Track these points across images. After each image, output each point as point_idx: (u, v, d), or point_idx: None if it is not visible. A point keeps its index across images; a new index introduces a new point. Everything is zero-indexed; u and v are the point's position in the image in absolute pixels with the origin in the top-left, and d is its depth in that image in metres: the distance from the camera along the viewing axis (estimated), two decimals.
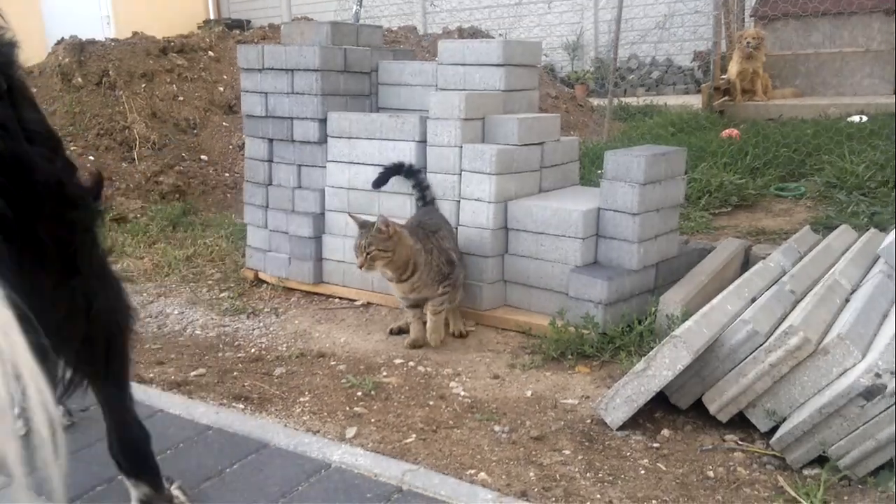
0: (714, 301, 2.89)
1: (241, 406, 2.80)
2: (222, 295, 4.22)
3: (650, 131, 7.54)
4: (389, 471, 2.11)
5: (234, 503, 1.99)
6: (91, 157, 6.03)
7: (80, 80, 6.56)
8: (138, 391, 2.70)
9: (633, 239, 3.41)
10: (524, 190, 3.76)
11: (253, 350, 3.45)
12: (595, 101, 10.69)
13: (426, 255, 3.33)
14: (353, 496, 2.00)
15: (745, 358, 2.55)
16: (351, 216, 3.37)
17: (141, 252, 4.96)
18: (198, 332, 3.72)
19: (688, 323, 2.64)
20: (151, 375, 3.09)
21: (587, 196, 3.76)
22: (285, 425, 2.62)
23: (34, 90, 6.35)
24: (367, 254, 3.16)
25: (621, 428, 2.58)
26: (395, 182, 3.84)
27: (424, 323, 3.42)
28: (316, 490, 2.04)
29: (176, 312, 3.98)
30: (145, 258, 4.85)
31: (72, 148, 6.06)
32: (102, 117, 6.38)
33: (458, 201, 3.72)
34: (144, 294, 4.27)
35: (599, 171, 5.86)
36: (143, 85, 6.80)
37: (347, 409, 2.79)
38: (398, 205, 3.86)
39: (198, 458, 2.24)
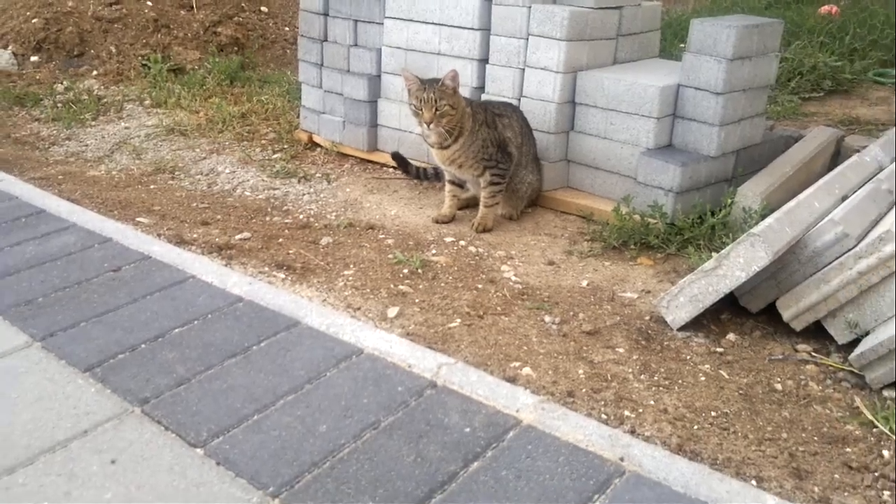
0: (800, 196, 2.60)
1: (283, 276, 2.69)
2: (275, 156, 4.08)
3: (741, 2, 6.91)
4: (424, 362, 1.97)
5: (257, 385, 1.89)
6: (149, 3, 5.80)
7: None
8: (172, 254, 2.61)
9: (714, 121, 3.09)
10: (597, 60, 3.42)
11: (301, 216, 3.32)
12: None
13: (474, 124, 3.12)
14: (382, 388, 1.87)
15: (831, 263, 2.29)
16: (405, 70, 3.13)
17: (196, 106, 4.81)
18: (247, 193, 3.60)
19: (769, 220, 2.37)
20: (195, 236, 2.99)
21: (667, 70, 3.40)
22: (324, 301, 2.50)
23: None
24: (436, 109, 2.99)
25: (682, 328, 2.39)
26: (457, 44, 3.54)
27: (456, 198, 3.33)
28: (344, 377, 1.92)
29: (227, 171, 3.86)
30: (200, 112, 4.71)
31: None
32: None
33: (523, 70, 3.41)
34: (197, 150, 4.16)
35: (682, 45, 5.40)
36: None
37: (392, 286, 2.66)
38: (459, 67, 3.56)
39: (225, 331, 2.14)
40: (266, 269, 2.74)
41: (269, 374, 1.92)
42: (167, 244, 2.76)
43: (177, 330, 2.14)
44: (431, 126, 3.00)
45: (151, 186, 3.66)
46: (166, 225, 3.10)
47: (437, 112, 2.98)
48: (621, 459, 1.61)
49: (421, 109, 3.00)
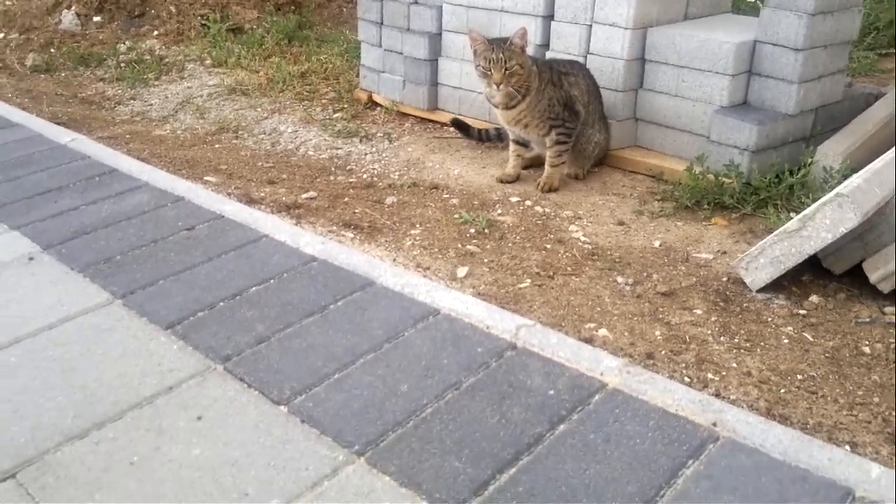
0: (888, 155, 2.48)
1: (351, 235, 2.68)
2: (335, 116, 4.06)
3: None
4: (503, 323, 1.94)
5: (336, 344, 1.89)
6: None
7: None
8: (244, 213, 2.62)
9: (794, 78, 2.96)
10: (667, 15, 3.30)
11: (365, 176, 3.30)
12: None
13: (540, 83, 3.04)
14: (462, 348, 1.85)
15: None
16: (472, 31, 3.06)
17: (256, 65, 4.81)
18: (310, 152, 3.60)
19: (856, 180, 2.27)
20: (262, 195, 3.00)
21: (741, 26, 3.27)
22: (394, 260, 2.49)
23: None
24: (506, 69, 2.91)
25: (762, 290, 2.32)
26: (521, 0, 3.45)
27: (520, 157, 3.26)
28: (422, 337, 1.90)
29: (289, 131, 3.86)
30: (260, 72, 4.71)
31: None
32: None
33: (590, 26, 3.30)
34: (258, 109, 4.16)
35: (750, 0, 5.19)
36: None
37: (459, 246, 2.63)
38: (523, 24, 3.48)
39: (301, 290, 2.13)
40: (334, 228, 2.74)
41: (347, 334, 1.92)
42: (238, 203, 2.77)
43: (254, 288, 2.15)
44: (501, 87, 2.94)
45: (216, 146, 3.68)
46: (234, 184, 3.11)
47: (507, 72, 2.91)
48: (714, 425, 1.56)
49: (490, 70, 2.93)
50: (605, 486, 1.41)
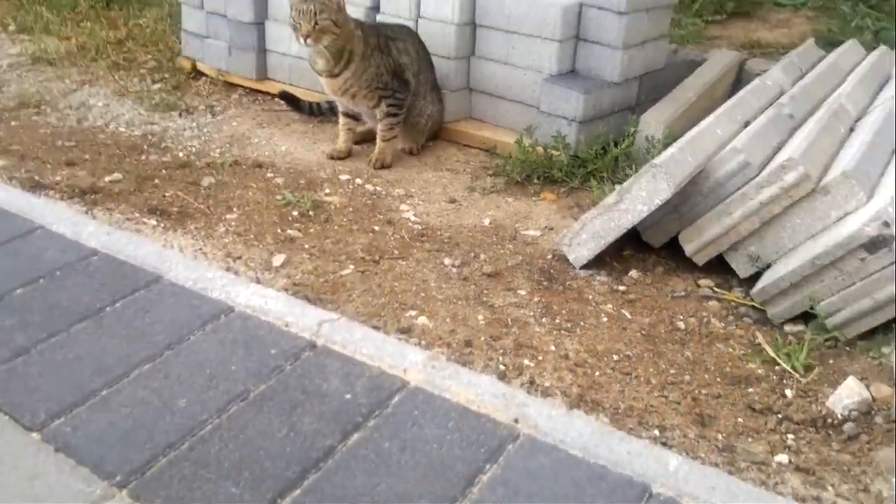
0: (703, 124, 2.49)
1: (154, 222, 2.43)
2: (154, 87, 3.73)
3: None
4: (304, 319, 1.78)
5: (108, 353, 1.66)
6: None
7: None
8: (20, 201, 2.32)
9: (618, 44, 2.93)
10: None
11: (181, 154, 3.03)
12: None
13: (366, 48, 2.86)
14: (253, 352, 1.68)
15: (733, 193, 2.20)
16: None
17: (67, 31, 4.36)
18: (122, 129, 3.27)
19: (671, 150, 2.26)
20: (57, 179, 2.68)
21: None
22: (199, 250, 2.27)
23: None
24: (316, 23, 2.68)
25: (585, 266, 2.28)
26: None
27: (351, 132, 3.09)
28: (210, 341, 1.71)
29: (100, 105, 3.51)
30: (71, 38, 4.27)
31: None
32: None
33: None
34: (67, 80, 3.77)
35: None
36: None
37: (279, 231, 2.45)
38: None
39: (74, 290, 1.88)
40: (136, 214, 2.48)
41: (122, 340, 1.70)
42: (16, 189, 2.45)
43: (19, 290, 1.88)
44: (310, 42, 2.71)
45: (13, 123, 3.29)
46: (24, 167, 2.78)
47: (317, 27, 2.69)
48: (515, 421, 1.48)
49: (299, 23, 2.71)
50: (396, 503, 1.30)
